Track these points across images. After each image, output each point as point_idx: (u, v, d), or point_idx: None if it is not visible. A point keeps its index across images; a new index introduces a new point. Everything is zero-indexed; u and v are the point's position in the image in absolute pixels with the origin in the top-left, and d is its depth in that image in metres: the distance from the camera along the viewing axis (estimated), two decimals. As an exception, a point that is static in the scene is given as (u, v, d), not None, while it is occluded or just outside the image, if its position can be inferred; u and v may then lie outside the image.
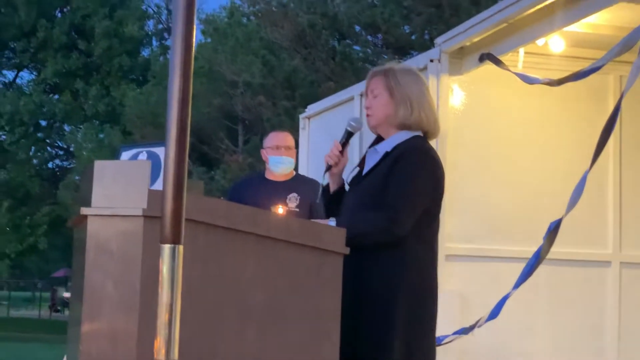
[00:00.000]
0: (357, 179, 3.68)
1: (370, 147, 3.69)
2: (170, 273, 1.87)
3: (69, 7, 33.03)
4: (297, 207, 5.52)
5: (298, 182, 5.70)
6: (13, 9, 31.49)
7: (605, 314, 6.14)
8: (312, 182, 5.66)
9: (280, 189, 5.59)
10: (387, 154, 3.56)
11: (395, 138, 3.60)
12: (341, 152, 3.71)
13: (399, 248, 3.44)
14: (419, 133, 3.62)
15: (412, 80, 3.65)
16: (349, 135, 3.72)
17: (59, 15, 33.27)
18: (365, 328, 3.39)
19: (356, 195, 3.61)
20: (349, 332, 3.22)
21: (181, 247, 1.87)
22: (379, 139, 3.69)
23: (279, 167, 5.67)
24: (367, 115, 3.67)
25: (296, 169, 6.13)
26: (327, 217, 3.68)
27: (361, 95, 6.54)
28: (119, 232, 2.84)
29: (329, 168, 3.72)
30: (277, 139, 5.75)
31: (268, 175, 5.75)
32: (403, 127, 3.60)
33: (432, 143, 3.76)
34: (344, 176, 3.78)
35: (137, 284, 2.78)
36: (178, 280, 1.87)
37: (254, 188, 5.70)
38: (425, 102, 3.64)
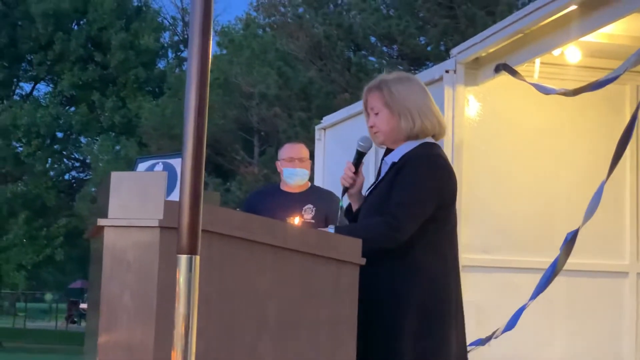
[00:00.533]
0: (370, 192, 3.70)
1: (382, 158, 3.71)
2: (187, 284, 1.87)
3: (85, 20, 33.17)
4: (312, 218, 5.52)
5: (314, 194, 5.70)
6: (30, 22, 31.66)
7: (622, 325, 6.11)
8: (327, 194, 5.66)
9: (296, 201, 5.60)
10: (393, 165, 3.57)
11: (402, 148, 3.60)
12: (355, 172, 3.72)
13: (406, 256, 3.43)
14: (428, 139, 3.60)
15: (406, 89, 3.62)
16: (360, 155, 3.73)
17: (76, 27, 33.41)
18: (375, 339, 3.37)
19: (366, 206, 3.63)
20: (357, 342, 3.22)
21: (198, 258, 1.87)
22: (390, 150, 3.69)
23: (293, 179, 5.68)
24: (374, 133, 3.66)
25: (312, 180, 6.14)
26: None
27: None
28: (136, 243, 2.85)
29: (345, 190, 3.73)
30: (291, 151, 5.75)
31: (283, 187, 5.76)
32: (410, 137, 3.59)
33: (448, 154, 3.76)
34: (364, 191, 3.79)
35: (153, 295, 2.78)
36: (195, 291, 1.87)
37: (269, 199, 5.70)
38: (423, 108, 3.60)
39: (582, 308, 6.04)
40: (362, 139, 3.73)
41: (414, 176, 3.48)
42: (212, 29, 1.83)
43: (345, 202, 3.77)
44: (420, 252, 3.45)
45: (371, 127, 3.66)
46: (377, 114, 3.63)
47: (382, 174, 3.63)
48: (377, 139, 3.67)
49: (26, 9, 31.61)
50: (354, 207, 3.76)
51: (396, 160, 3.56)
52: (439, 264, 3.50)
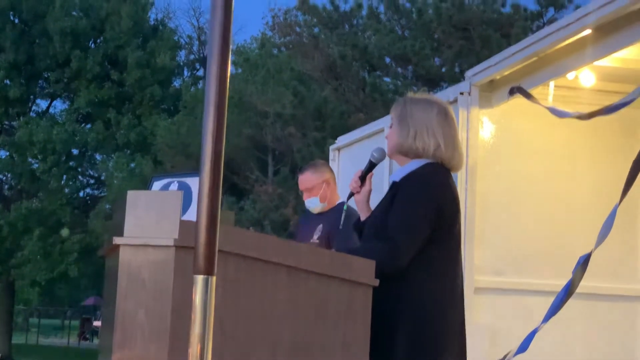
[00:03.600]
0: (374, 210, 3.75)
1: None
2: (203, 304, 1.89)
3: (102, 38, 33.32)
4: (318, 238, 5.55)
5: (330, 213, 5.69)
6: (48, 39, 31.83)
7: (636, 349, 6.09)
8: (339, 211, 5.65)
9: (316, 222, 5.66)
10: (394, 184, 3.57)
11: (406, 167, 3.60)
12: (361, 180, 3.76)
13: (402, 279, 3.39)
14: (431, 160, 3.57)
15: (420, 108, 3.61)
16: (370, 165, 3.78)
17: (93, 46, 33.57)
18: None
19: (367, 225, 3.67)
20: None
21: (214, 278, 1.89)
22: None
23: (309, 208, 5.78)
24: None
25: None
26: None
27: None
28: (151, 262, 2.87)
29: (351, 195, 3.81)
30: (300, 183, 5.81)
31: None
32: (413, 155, 3.58)
33: (462, 175, 3.77)
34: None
35: (168, 314, 2.80)
36: (210, 311, 1.89)
37: (304, 223, 5.90)
38: (433, 129, 3.56)
39: (594, 331, 6.02)
40: (376, 150, 3.78)
41: (410, 198, 3.46)
42: (230, 52, 1.86)
43: (351, 204, 3.87)
44: (414, 272, 3.41)
45: (386, 138, 3.71)
46: (391, 126, 3.67)
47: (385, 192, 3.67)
48: (388, 153, 3.73)
49: (44, 26, 31.79)
50: (362, 217, 3.80)
51: (397, 179, 3.58)
52: (433, 285, 3.46)
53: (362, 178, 3.77)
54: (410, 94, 3.78)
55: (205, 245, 1.85)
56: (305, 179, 5.74)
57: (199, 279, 1.88)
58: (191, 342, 1.90)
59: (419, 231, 3.42)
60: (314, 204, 5.70)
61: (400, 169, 3.63)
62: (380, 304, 3.27)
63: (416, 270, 3.42)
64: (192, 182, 4.32)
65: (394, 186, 3.56)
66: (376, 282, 3.19)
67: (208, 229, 1.84)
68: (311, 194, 5.69)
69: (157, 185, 4.69)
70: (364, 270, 3.17)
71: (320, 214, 5.68)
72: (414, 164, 3.57)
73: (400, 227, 3.41)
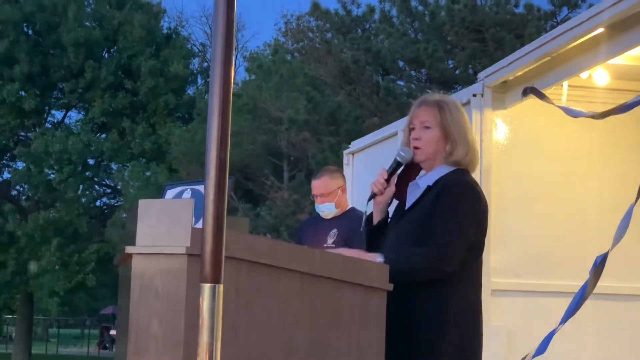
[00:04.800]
0: (399, 214, 3.65)
1: (398, 179, 3.67)
2: (211, 312, 1.88)
3: (115, 48, 33.44)
4: (333, 242, 5.54)
5: (343, 218, 5.69)
6: (62, 50, 31.96)
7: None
8: (353, 216, 5.63)
9: (327, 226, 5.66)
10: (429, 188, 3.54)
11: (437, 172, 3.57)
12: (387, 181, 3.63)
13: (446, 284, 3.40)
14: (461, 167, 3.58)
15: (461, 117, 3.61)
16: (397, 165, 3.63)
17: (106, 55, 33.70)
18: None
19: (398, 231, 3.56)
20: None
21: (221, 287, 1.88)
22: (411, 170, 3.66)
23: (321, 214, 5.76)
24: (415, 148, 3.59)
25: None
26: (368, 247, 3.66)
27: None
28: (163, 271, 2.86)
29: (373, 196, 3.65)
30: (313, 187, 5.80)
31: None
32: (450, 163, 3.57)
33: (476, 177, 3.75)
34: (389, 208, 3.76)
35: (181, 322, 2.79)
36: (218, 319, 1.87)
37: (311, 227, 5.87)
38: (467, 135, 3.61)
39: (612, 332, 5.98)
40: (404, 150, 3.63)
41: (458, 204, 3.46)
42: (233, 59, 1.84)
43: (369, 208, 3.70)
44: (458, 278, 3.43)
45: (416, 139, 3.59)
46: (427, 127, 3.58)
47: (413, 197, 3.58)
48: (418, 156, 3.60)
49: (57, 37, 31.93)
50: (376, 218, 3.68)
51: (431, 184, 3.54)
52: (473, 290, 3.52)
53: (388, 179, 3.64)
54: (437, 95, 3.71)
55: (212, 253, 1.84)
56: (322, 185, 5.73)
57: (206, 287, 1.87)
58: (199, 351, 1.88)
59: (466, 237, 3.44)
60: (328, 209, 5.69)
61: (430, 173, 3.59)
62: (425, 309, 3.35)
63: (460, 277, 3.44)
64: (204, 188, 4.31)
65: (429, 191, 3.53)
66: (390, 287, 3.17)
67: (214, 236, 1.83)
68: (326, 199, 5.68)
69: (170, 193, 4.69)
70: (378, 275, 3.15)
71: (330, 219, 5.68)
72: (444, 169, 3.57)
73: (450, 233, 3.40)
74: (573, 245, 5.91)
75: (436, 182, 3.53)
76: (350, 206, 5.78)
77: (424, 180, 3.59)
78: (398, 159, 3.63)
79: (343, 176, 5.91)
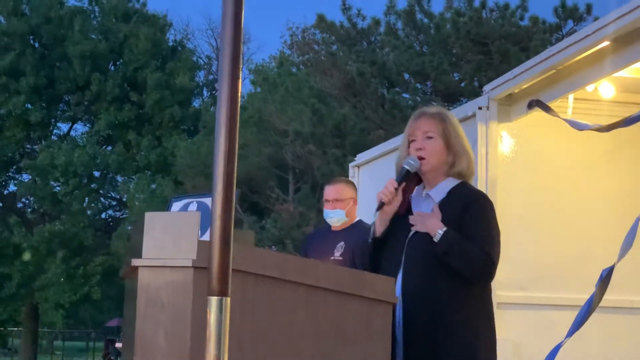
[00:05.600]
0: (408, 224, 3.62)
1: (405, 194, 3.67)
2: (218, 325, 1.88)
3: (121, 60, 33.55)
4: (340, 255, 5.51)
5: (352, 230, 5.65)
6: (68, 63, 32.07)
7: (661, 362, 6.02)
8: (359, 228, 5.61)
9: (335, 239, 5.62)
10: (445, 200, 3.56)
11: (446, 184, 3.61)
12: (396, 190, 3.61)
13: (477, 289, 3.51)
14: (464, 178, 3.65)
15: (460, 128, 3.68)
16: (407, 173, 3.60)
17: (112, 68, 33.80)
18: None
19: (423, 241, 3.51)
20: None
21: (228, 300, 1.88)
22: (410, 182, 3.65)
23: (329, 220, 5.71)
24: (420, 158, 3.60)
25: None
26: (372, 258, 3.64)
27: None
28: (169, 283, 2.86)
29: (381, 206, 3.59)
30: (327, 192, 5.76)
31: (332, 227, 5.78)
32: (449, 175, 3.62)
33: (482, 189, 3.77)
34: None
35: (187, 335, 2.79)
36: (225, 332, 1.88)
37: (318, 239, 5.80)
38: (467, 148, 3.68)
39: (618, 345, 5.96)
40: (413, 159, 3.61)
41: (489, 216, 3.56)
42: (241, 74, 1.85)
43: (377, 218, 3.65)
44: (482, 289, 3.55)
45: (420, 149, 3.60)
46: (430, 138, 3.60)
47: (427, 208, 3.59)
48: (422, 166, 3.61)
49: (64, 50, 32.05)
50: (379, 230, 3.64)
51: (444, 195, 3.57)
52: (490, 299, 3.60)
53: (397, 188, 3.62)
54: (437, 107, 3.77)
55: (219, 266, 1.84)
56: (337, 190, 5.71)
57: (213, 300, 1.87)
58: (207, 364, 1.89)
59: (499, 245, 3.56)
60: (338, 216, 5.64)
61: (440, 185, 3.62)
62: (462, 314, 3.43)
63: (483, 287, 3.55)
64: (211, 202, 4.31)
65: (447, 202, 3.55)
66: (396, 300, 3.17)
67: (221, 249, 1.83)
68: (338, 205, 5.64)
69: (176, 205, 4.68)
70: (384, 287, 3.15)
71: (338, 231, 5.65)
72: (451, 181, 3.62)
73: (491, 243, 3.50)
74: (579, 258, 5.90)
75: (450, 194, 3.57)
76: (357, 219, 5.75)
77: (435, 192, 3.61)
78: (407, 167, 3.60)
79: (356, 189, 5.88)
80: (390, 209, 3.62)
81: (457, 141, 3.61)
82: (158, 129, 32.43)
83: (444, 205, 3.55)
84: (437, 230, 3.45)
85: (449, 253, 3.41)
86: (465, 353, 3.42)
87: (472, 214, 3.50)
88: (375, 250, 3.66)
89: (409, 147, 3.66)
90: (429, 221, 3.50)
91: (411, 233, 3.58)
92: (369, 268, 3.55)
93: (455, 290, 3.45)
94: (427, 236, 3.50)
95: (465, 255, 3.42)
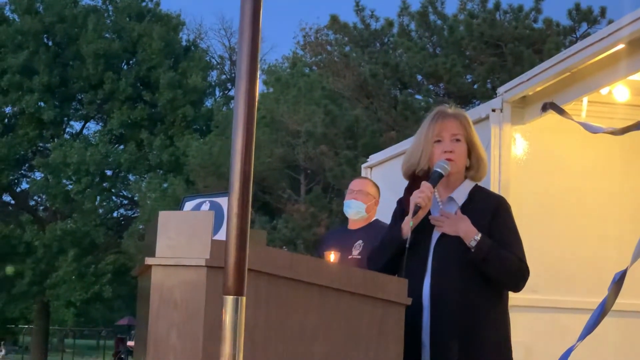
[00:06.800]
0: (428, 225, 3.57)
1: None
2: (233, 324, 1.88)
3: (134, 60, 33.64)
4: (359, 254, 5.50)
5: (370, 229, 5.61)
6: (81, 62, 32.16)
7: (674, 367, 6.00)
8: (377, 227, 5.59)
9: (353, 237, 5.60)
10: (466, 204, 3.58)
11: (465, 186, 3.62)
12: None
13: (503, 297, 3.58)
14: (479, 181, 3.68)
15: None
16: (440, 177, 3.55)
17: (125, 67, 33.89)
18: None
19: (455, 245, 3.49)
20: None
21: (244, 299, 1.88)
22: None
23: (348, 210, 5.68)
24: (449, 160, 3.56)
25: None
26: (387, 265, 3.60)
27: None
28: (183, 282, 2.87)
29: (417, 209, 3.49)
30: (353, 183, 5.77)
31: (349, 225, 5.76)
32: (473, 177, 3.65)
33: (495, 192, 3.77)
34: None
35: (200, 334, 2.79)
36: (240, 331, 1.88)
37: (335, 239, 5.75)
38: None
39: (631, 349, 5.94)
40: (445, 162, 3.55)
41: (513, 222, 3.61)
42: (258, 72, 1.85)
43: (414, 223, 3.51)
44: (506, 296, 3.62)
45: (450, 152, 3.56)
46: (458, 140, 3.60)
47: (450, 209, 3.58)
48: (451, 169, 3.57)
49: (77, 49, 32.14)
50: (405, 231, 3.53)
51: (466, 198, 3.59)
52: (507, 303, 3.64)
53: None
54: (458, 110, 3.72)
55: (235, 265, 1.84)
56: (363, 184, 5.71)
57: (229, 299, 1.87)
58: (222, 363, 1.89)
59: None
60: (358, 208, 5.62)
61: (460, 188, 3.62)
62: (494, 315, 3.50)
63: (506, 296, 3.64)
64: (224, 201, 4.30)
65: (470, 205, 3.56)
66: (409, 301, 3.17)
67: (238, 249, 1.83)
68: (360, 197, 5.62)
69: (188, 205, 4.69)
70: (397, 289, 3.15)
71: (356, 230, 5.63)
72: (470, 183, 3.64)
73: (522, 249, 3.58)
74: (592, 262, 5.88)
75: (471, 197, 3.59)
76: (375, 218, 5.73)
77: (457, 194, 3.61)
78: (441, 171, 3.55)
79: (379, 193, 5.85)
80: (423, 214, 3.55)
81: (478, 148, 3.63)
82: (170, 129, 32.50)
83: (466, 208, 3.54)
84: (473, 236, 3.44)
85: (487, 260, 3.41)
86: (498, 356, 3.48)
87: (502, 218, 3.54)
88: (398, 254, 3.53)
89: (433, 147, 3.61)
90: (460, 225, 3.47)
91: (436, 236, 3.55)
92: (384, 270, 3.48)
93: (487, 295, 3.48)
94: (457, 240, 3.48)
95: (502, 263, 3.44)
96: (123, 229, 31.75)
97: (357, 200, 5.64)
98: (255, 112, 1.84)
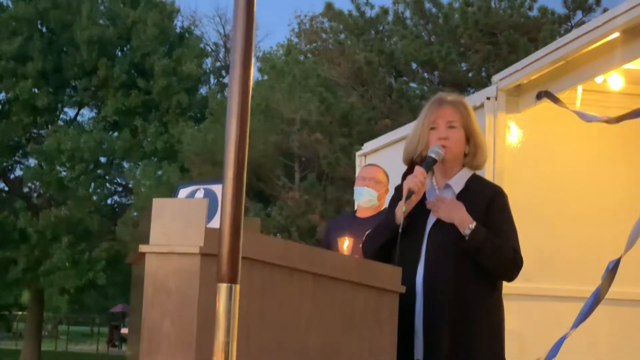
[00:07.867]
0: (424, 211, 3.57)
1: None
2: (227, 312, 1.88)
3: (129, 46, 33.52)
4: None
5: (378, 218, 5.59)
6: (75, 48, 32.05)
7: (666, 355, 6.02)
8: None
9: (363, 226, 5.56)
10: (463, 191, 3.57)
11: (463, 174, 3.61)
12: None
13: (496, 286, 3.58)
14: (477, 169, 3.67)
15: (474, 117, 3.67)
16: (434, 162, 3.55)
17: (119, 54, 33.77)
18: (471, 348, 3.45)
19: (448, 232, 3.48)
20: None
21: (237, 287, 1.88)
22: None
23: (358, 198, 5.67)
24: (444, 146, 3.55)
25: None
26: (381, 252, 3.59)
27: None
28: (177, 270, 2.86)
29: (410, 195, 3.49)
30: (365, 170, 5.74)
31: (358, 213, 5.73)
32: (471, 165, 3.63)
33: (489, 180, 3.77)
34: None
35: (194, 321, 2.79)
36: (234, 319, 1.88)
37: (343, 227, 5.63)
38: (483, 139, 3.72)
39: (624, 337, 5.96)
40: (439, 147, 3.55)
41: (510, 209, 3.63)
42: (252, 60, 1.84)
43: (406, 208, 3.51)
44: (500, 283, 3.62)
45: (444, 138, 3.56)
46: (453, 127, 3.58)
47: (447, 196, 3.58)
48: (445, 155, 3.57)
49: (71, 35, 32.01)
50: (397, 218, 3.52)
51: (463, 186, 3.58)
52: (501, 290, 3.65)
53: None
54: (455, 95, 3.71)
55: (229, 253, 1.84)
56: (376, 171, 5.68)
57: (223, 287, 1.88)
58: (215, 350, 1.89)
59: None
60: (369, 196, 5.58)
61: (458, 175, 3.62)
62: (487, 306, 3.52)
63: (500, 286, 3.65)
64: (218, 189, 4.30)
65: (465, 193, 3.55)
66: (403, 289, 3.17)
67: (231, 237, 1.83)
68: (372, 186, 5.59)
69: (183, 192, 4.68)
70: (391, 277, 3.15)
71: (365, 218, 5.57)
72: (467, 171, 3.64)
73: (517, 239, 3.59)
74: (586, 250, 5.89)
75: (468, 185, 3.58)
76: (384, 207, 5.70)
77: (454, 181, 3.61)
78: (435, 156, 3.55)
79: (389, 181, 5.82)
80: (416, 199, 3.54)
81: (476, 134, 3.62)
82: (165, 116, 32.42)
83: (463, 196, 3.54)
84: (467, 225, 3.42)
85: (481, 250, 3.40)
86: (491, 344, 3.49)
87: (498, 208, 3.53)
88: (392, 241, 3.52)
89: (429, 134, 3.60)
90: (455, 212, 3.46)
91: (431, 222, 3.55)
92: (378, 257, 3.48)
93: (481, 282, 3.48)
94: (451, 227, 3.47)
95: (496, 253, 3.44)
96: (117, 216, 31.70)
97: (369, 188, 5.60)
98: (250, 99, 1.84)
